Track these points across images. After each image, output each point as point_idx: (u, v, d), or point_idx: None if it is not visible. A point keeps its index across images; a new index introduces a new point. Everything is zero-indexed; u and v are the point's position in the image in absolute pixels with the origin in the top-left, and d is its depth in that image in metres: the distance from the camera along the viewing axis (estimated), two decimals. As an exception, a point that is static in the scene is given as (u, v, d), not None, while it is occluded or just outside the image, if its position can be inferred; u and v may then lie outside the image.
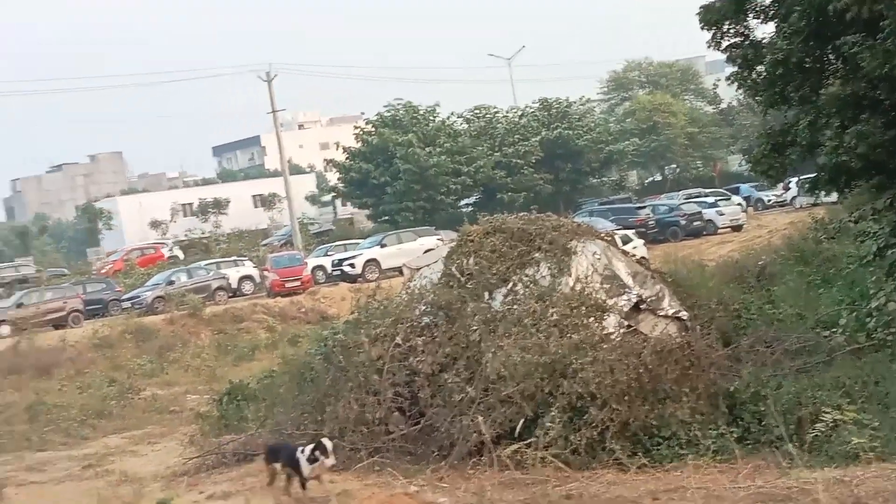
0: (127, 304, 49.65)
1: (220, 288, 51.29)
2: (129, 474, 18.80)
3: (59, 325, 45.76)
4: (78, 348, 40.23)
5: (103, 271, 65.55)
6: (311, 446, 14.50)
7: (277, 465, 15.11)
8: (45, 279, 60.43)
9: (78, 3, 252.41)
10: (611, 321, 17.88)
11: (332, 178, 75.01)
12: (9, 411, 28.55)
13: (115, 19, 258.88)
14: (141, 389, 30.81)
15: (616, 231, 35.21)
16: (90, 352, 39.76)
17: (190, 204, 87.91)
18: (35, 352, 39.13)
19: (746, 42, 21.23)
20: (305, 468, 14.41)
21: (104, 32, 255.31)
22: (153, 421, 26.54)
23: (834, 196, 23.41)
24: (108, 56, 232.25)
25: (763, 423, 15.28)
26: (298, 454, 14.49)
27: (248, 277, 54.04)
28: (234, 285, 52.83)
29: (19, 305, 47.23)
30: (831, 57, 19.65)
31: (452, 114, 74.77)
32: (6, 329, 44.75)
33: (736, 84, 22.31)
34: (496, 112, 76.25)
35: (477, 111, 75.73)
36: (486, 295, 18.41)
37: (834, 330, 19.87)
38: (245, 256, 59.45)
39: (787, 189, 59.93)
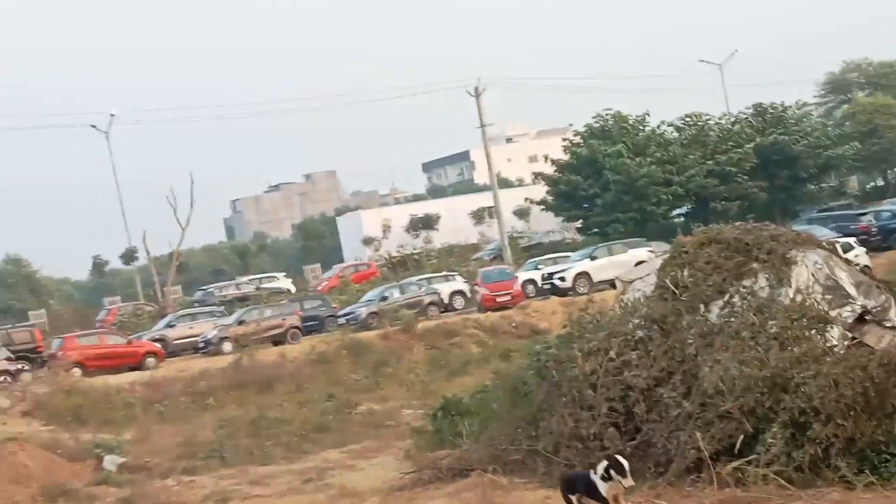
0: (342, 321, 50.77)
1: (432, 303, 51.87)
2: (347, 488, 19.16)
3: (278, 341, 47.16)
4: (297, 364, 41.30)
5: (319, 288, 67.32)
6: (605, 465, 14.00)
7: (574, 497, 14.44)
8: (265, 297, 62.25)
9: (296, 27, 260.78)
10: (834, 333, 17.23)
11: (541, 191, 74.83)
12: (232, 426, 29.48)
13: (334, 41, 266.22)
14: (357, 404, 31.37)
15: (837, 239, 34.05)
16: (308, 367, 40.74)
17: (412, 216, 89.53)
18: (256, 367, 40.37)
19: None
20: (602, 488, 13.81)
21: (319, 53, 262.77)
22: (370, 435, 26.95)
23: None
24: (322, 78, 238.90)
25: None
26: (592, 476, 13.99)
27: (460, 292, 54.42)
28: (446, 300, 53.26)
29: (240, 322, 48.86)
30: None
31: (662, 122, 73.57)
32: (228, 346, 46.41)
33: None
34: (708, 119, 74.57)
35: (688, 119, 74.30)
36: (702, 307, 18.01)
37: None
38: (455, 271, 59.95)
39: None
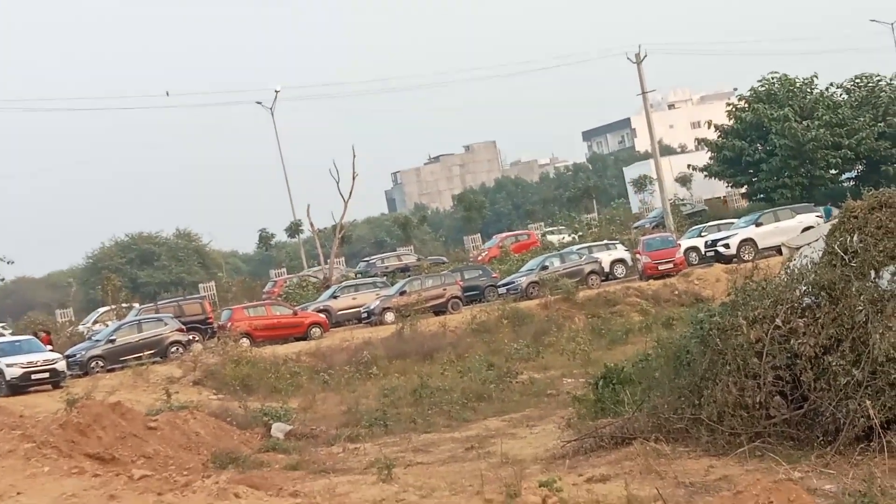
0: (503, 290, 50.93)
1: (592, 272, 51.60)
2: (509, 456, 19.18)
3: (439, 311, 47.62)
4: (457, 333, 41.65)
5: (479, 258, 67.59)
6: None
7: None
8: (426, 267, 62.80)
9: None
10: None
11: (704, 157, 73.52)
12: (395, 394, 29.88)
13: (494, 14, 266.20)
14: (518, 373, 31.37)
15: None
16: (469, 336, 41.04)
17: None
18: (417, 337, 40.88)
19: None
20: None
21: (479, 24, 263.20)
22: (530, 404, 26.98)
23: None
24: (478, 51, 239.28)
25: None
26: None
27: (621, 261, 54.01)
28: (607, 269, 52.94)
29: (402, 293, 49.40)
30: None
31: (831, 84, 71.43)
32: (390, 316, 47.05)
33: None
34: (879, 80, 72.01)
35: (858, 80, 71.92)
36: (873, 273, 17.43)
37: None
38: (617, 240, 59.51)
39: None
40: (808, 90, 69.75)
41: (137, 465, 17.79)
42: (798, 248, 21.06)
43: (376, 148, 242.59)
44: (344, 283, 56.36)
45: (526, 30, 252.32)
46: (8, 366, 37.52)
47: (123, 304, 57.95)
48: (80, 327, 56.86)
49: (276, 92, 75.50)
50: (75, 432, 19.16)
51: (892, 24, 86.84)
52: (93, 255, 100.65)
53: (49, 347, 41.48)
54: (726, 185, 75.54)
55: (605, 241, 58.55)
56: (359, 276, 63.78)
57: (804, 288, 17.94)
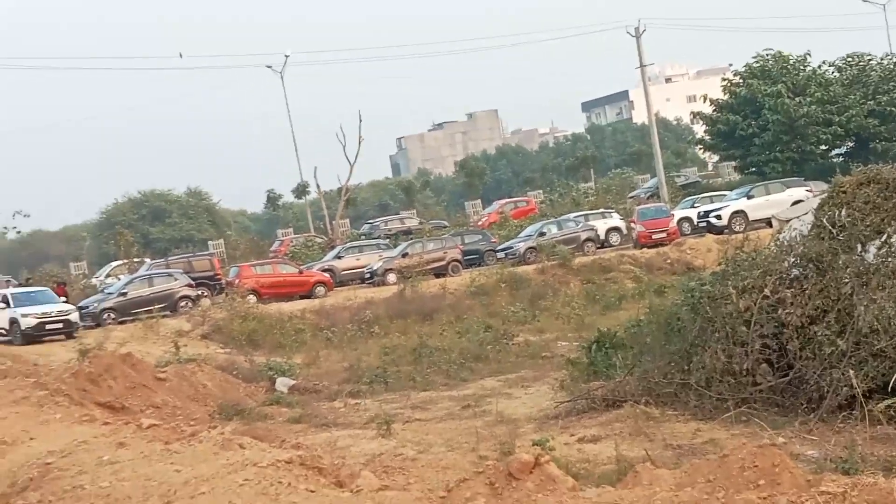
0: (501, 255, 50.94)
1: (588, 239, 51.58)
2: (504, 415, 19.23)
3: (439, 273, 47.61)
4: (456, 295, 41.64)
5: (480, 223, 67.54)
6: None
7: None
8: (427, 231, 62.77)
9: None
10: None
11: (699, 131, 73.43)
12: (395, 353, 29.88)
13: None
14: (514, 335, 31.37)
15: None
16: (467, 299, 41.05)
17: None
18: (418, 298, 40.90)
19: None
20: None
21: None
22: (526, 365, 26.97)
23: None
24: (479, 20, 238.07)
25: None
26: None
27: (616, 229, 54.01)
28: (602, 237, 52.93)
29: (404, 255, 49.46)
30: None
31: (824, 62, 71.09)
32: (392, 277, 47.11)
33: None
34: (870, 59, 71.75)
35: (849, 59, 71.60)
36: (859, 247, 17.43)
37: None
38: (612, 209, 59.45)
39: None
40: (801, 67, 69.47)
41: (146, 414, 17.82)
42: (788, 221, 21.10)
43: (382, 114, 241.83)
44: (348, 244, 56.40)
45: (531, 4, 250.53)
46: (23, 316, 37.65)
47: (135, 259, 57.90)
48: (93, 280, 56.98)
49: (286, 57, 75.26)
50: (87, 381, 19.21)
51: (883, 4, 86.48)
52: (106, 210, 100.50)
53: (63, 299, 41.56)
54: (718, 158, 75.42)
55: (601, 210, 58.54)
56: (362, 237, 63.81)
57: (793, 259, 17.94)
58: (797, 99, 65.32)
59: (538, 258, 48.02)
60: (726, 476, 8.64)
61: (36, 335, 37.26)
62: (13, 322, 37.85)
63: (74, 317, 38.92)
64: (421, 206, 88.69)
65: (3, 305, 38.69)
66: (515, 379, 24.86)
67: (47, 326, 37.75)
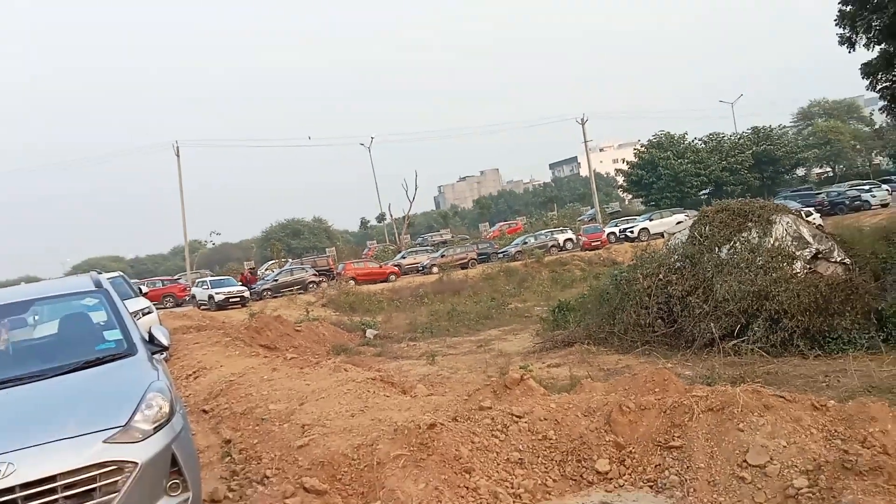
0: (500, 256, 50.79)
1: (553, 245, 51.34)
2: (502, 351, 19.21)
3: (464, 266, 47.51)
4: (473, 280, 41.58)
5: (487, 237, 67.43)
6: None
7: None
8: (456, 241, 62.73)
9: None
10: (798, 265, 16.32)
11: (620, 181, 72.81)
12: (437, 314, 29.82)
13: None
14: (508, 304, 31.33)
15: (802, 209, 32.17)
16: (480, 282, 40.93)
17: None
18: (451, 282, 40.86)
19: (893, 84, 18.77)
20: None
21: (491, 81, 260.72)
22: (516, 321, 26.86)
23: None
24: (493, 109, 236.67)
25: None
26: None
27: (570, 239, 53.70)
28: (561, 244, 52.63)
29: (442, 256, 49.46)
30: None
31: (695, 138, 70.65)
32: (435, 269, 47.07)
33: (886, 112, 19.86)
34: (723, 136, 71.31)
35: (711, 136, 71.18)
36: (717, 249, 17.31)
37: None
38: (567, 227, 59.16)
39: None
40: (682, 141, 69.03)
41: (289, 351, 17.89)
42: (673, 234, 20.88)
43: (430, 170, 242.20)
44: (409, 250, 56.42)
45: (498, 103, 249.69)
46: (217, 293, 38.02)
47: (282, 259, 58.24)
48: (258, 272, 57.35)
49: (372, 139, 75.37)
50: (254, 332, 19.34)
51: (731, 104, 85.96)
52: (265, 230, 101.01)
53: (241, 283, 41.89)
54: (632, 197, 74.86)
55: (561, 228, 58.25)
56: (417, 246, 63.87)
57: (676, 257, 17.83)
58: (679, 160, 64.94)
59: (523, 257, 47.82)
60: (636, 386, 8.59)
61: (223, 305, 37.59)
62: (210, 297, 38.23)
63: (247, 294, 39.20)
64: (452, 227, 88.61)
65: (206, 287, 39.13)
66: (509, 329, 24.76)
67: (230, 300, 38.06)
